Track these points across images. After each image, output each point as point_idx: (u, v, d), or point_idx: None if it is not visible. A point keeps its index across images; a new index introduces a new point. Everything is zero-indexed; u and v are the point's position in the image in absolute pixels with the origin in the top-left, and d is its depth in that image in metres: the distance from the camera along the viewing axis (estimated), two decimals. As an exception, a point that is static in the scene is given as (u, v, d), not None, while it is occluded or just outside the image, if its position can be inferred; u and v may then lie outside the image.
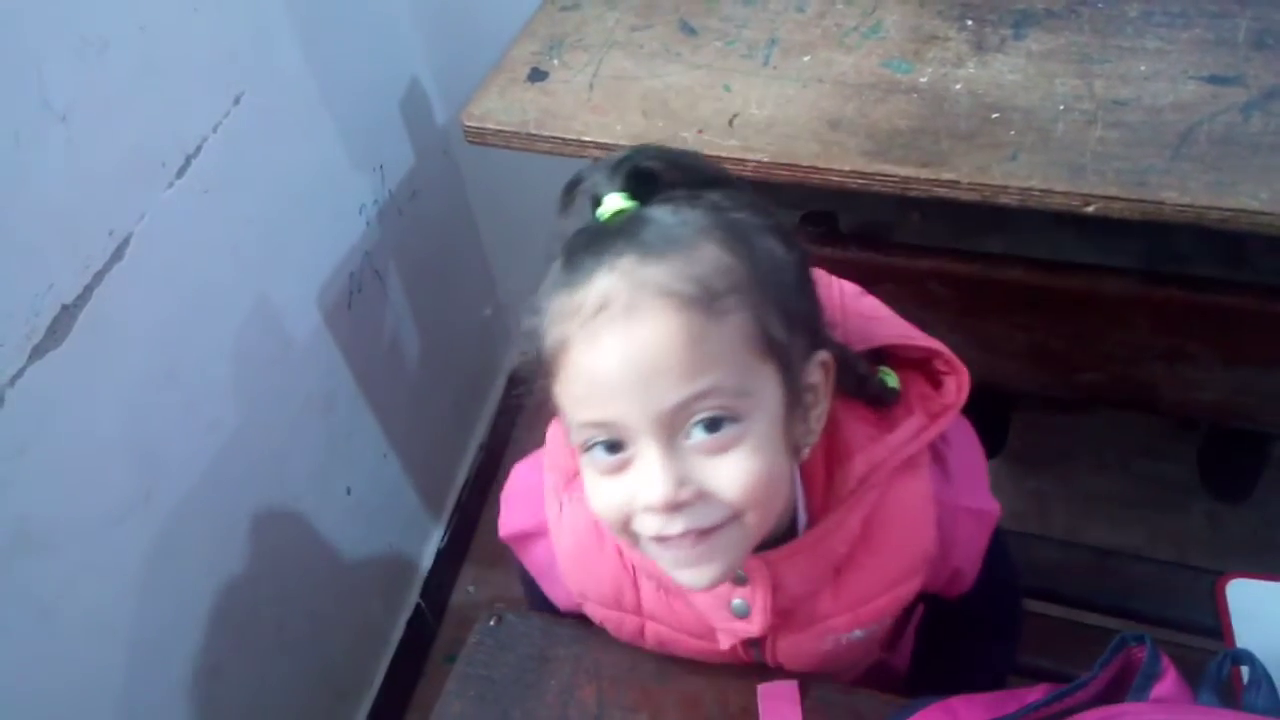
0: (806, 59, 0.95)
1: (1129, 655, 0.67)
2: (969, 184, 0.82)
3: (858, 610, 0.72)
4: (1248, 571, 0.88)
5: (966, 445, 0.77)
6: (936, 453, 0.73)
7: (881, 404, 0.70)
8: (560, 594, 0.81)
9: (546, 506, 0.75)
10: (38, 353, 0.84)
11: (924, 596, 0.81)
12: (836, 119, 0.89)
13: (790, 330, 0.60)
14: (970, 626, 0.86)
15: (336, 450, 1.31)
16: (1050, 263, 0.91)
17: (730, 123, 0.91)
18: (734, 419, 0.58)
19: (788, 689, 0.75)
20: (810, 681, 0.75)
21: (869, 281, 0.98)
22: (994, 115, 0.87)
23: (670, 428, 0.58)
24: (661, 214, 0.58)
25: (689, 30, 1.00)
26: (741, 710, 0.75)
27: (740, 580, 0.69)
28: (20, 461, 0.84)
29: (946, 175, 0.83)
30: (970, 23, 0.96)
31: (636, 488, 0.59)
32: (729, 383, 0.58)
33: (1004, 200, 0.82)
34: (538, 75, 0.99)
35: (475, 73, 1.06)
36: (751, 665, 0.77)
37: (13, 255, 0.81)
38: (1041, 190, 0.81)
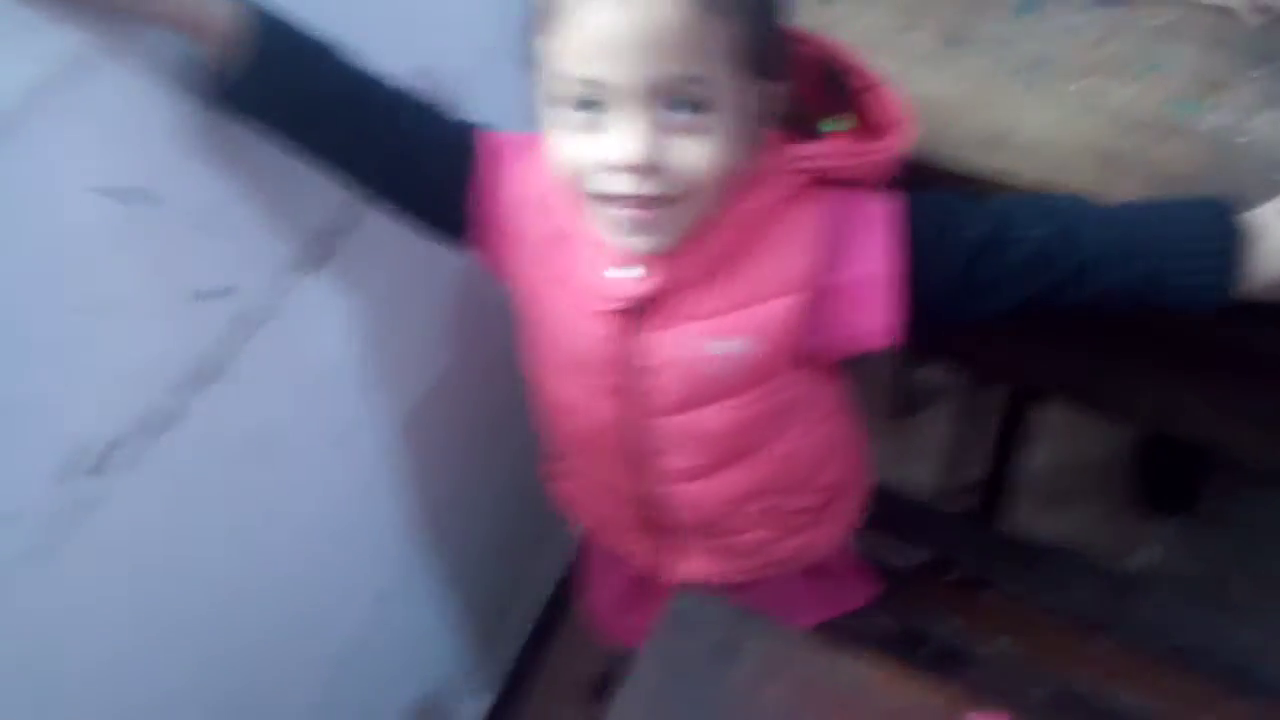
0: (1080, 85, 0.92)
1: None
2: (1253, 244, 0.78)
3: (731, 315, 0.77)
4: None
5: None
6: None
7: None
8: (498, 198, 0.83)
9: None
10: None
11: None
12: (1111, 153, 0.86)
13: (764, 55, 0.70)
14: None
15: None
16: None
17: (993, 142, 0.89)
18: (710, 109, 0.68)
19: None
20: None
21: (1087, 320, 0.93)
22: (1285, 175, 0.82)
23: (653, 98, 0.66)
24: None
25: (954, 41, 0.98)
26: (947, 740, 0.73)
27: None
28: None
29: (1229, 232, 0.79)
30: (1262, 73, 0.90)
31: (608, 148, 0.68)
32: (717, 79, 0.68)
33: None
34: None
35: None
36: (938, 686, 0.75)
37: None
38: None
